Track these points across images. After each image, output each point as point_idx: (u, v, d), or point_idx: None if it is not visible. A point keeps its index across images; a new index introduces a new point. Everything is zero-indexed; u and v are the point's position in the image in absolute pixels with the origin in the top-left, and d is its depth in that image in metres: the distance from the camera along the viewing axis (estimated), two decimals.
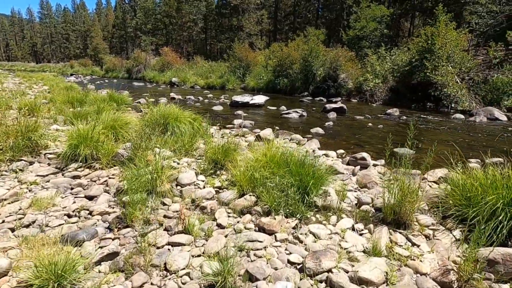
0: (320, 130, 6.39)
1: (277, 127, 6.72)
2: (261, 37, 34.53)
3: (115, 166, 3.42)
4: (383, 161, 4.19)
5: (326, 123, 7.42)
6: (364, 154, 3.77)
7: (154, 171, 2.69)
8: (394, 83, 13.78)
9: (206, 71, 24.32)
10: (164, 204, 2.59)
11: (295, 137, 5.23)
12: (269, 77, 18.98)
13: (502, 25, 13.08)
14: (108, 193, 2.83)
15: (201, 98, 12.65)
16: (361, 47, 18.77)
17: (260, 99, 10.78)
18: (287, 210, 2.29)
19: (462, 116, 9.73)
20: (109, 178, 3.17)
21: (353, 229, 2.29)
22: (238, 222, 2.31)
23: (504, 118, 9.63)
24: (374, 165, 3.94)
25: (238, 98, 10.71)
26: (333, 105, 9.73)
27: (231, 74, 21.44)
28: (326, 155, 4.38)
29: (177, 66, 28.34)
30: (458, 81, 11.59)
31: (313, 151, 4.58)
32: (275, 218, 2.18)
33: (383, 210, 2.38)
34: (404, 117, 9.23)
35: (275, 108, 10.36)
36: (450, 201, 2.38)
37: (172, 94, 13.95)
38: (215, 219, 2.35)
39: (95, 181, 3.16)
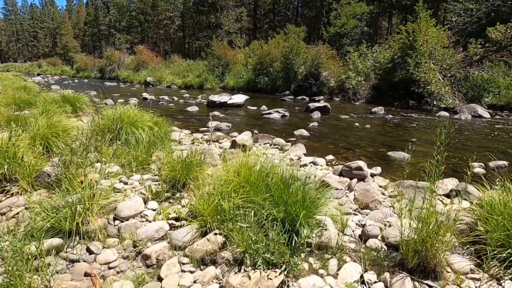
0: (304, 132, 5.74)
1: (256, 131, 5.98)
2: (241, 35, 33.75)
3: (39, 189, 2.55)
4: (379, 169, 3.57)
5: (311, 124, 6.80)
6: (360, 163, 3.13)
7: (79, 201, 1.88)
8: (376, 81, 13.46)
9: (184, 70, 23.20)
10: (90, 251, 1.79)
11: (277, 141, 4.53)
12: (249, 75, 18.25)
13: (481, 22, 13.08)
14: (14, 235, 1.98)
15: (176, 98, 11.71)
16: (342, 44, 18.45)
17: (239, 98, 10.02)
18: (268, 258, 1.57)
19: (447, 114, 9.46)
20: (26, 208, 2.31)
21: (362, 281, 1.61)
22: (195, 281, 1.56)
23: (487, 115, 9.46)
24: (372, 175, 3.32)
25: (215, 97, 9.90)
26: (317, 104, 9.16)
27: (209, 73, 20.51)
28: (314, 163, 3.71)
29: (153, 65, 26.95)
30: (440, 78, 11.40)
31: (299, 158, 3.90)
32: (249, 277, 1.45)
33: (401, 250, 1.71)
34: (390, 116, 8.81)
35: (256, 108, 9.64)
36: (487, 233, 1.75)
37: (145, 94, 12.89)
38: (160, 279, 1.58)
39: (4, 214, 2.29)
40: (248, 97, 10.49)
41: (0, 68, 52.22)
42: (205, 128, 5.89)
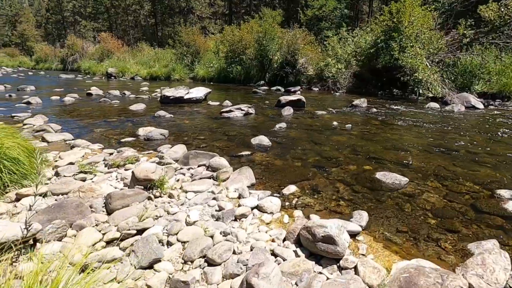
0: (265, 140, 4.30)
1: (200, 140, 4.49)
2: (216, 21, 31.49)
3: None
4: (364, 217, 2.21)
5: (278, 125, 5.36)
6: (333, 230, 1.67)
7: None
8: (357, 68, 12.16)
9: (150, 59, 21.06)
10: None
11: (216, 162, 3.06)
12: (221, 64, 16.52)
13: (471, 0, 11.92)
14: None
15: (128, 93, 9.93)
16: (321, 28, 17.01)
17: (198, 92, 8.41)
18: None
19: (437, 106, 8.28)
20: None
21: None
22: None
23: (481, 106, 8.38)
24: (353, 235, 1.94)
25: (170, 92, 8.24)
26: (289, 98, 7.72)
27: (177, 62, 18.56)
28: (261, 209, 2.28)
29: (118, 55, 24.50)
30: (428, 64, 10.21)
31: (239, 196, 2.46)
32: None
33: None
34: (374, 110, 7.52)
35: (218, 103, 8.09)
36: None
37: (94, 89, 10.99)
38: None
39: None
40: (210, 90, 8.89)
41: None
42: (131, 139, 4.33)
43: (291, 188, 2.75)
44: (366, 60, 11.71)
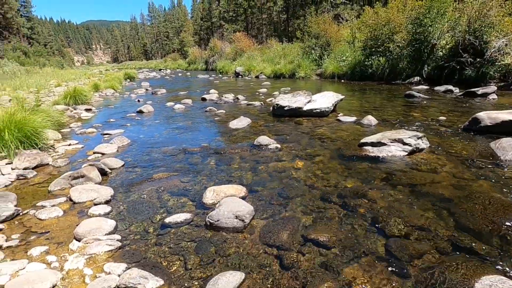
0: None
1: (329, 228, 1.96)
2: (352, 5, 27.28)
3: None
4: None
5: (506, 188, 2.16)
6: None
7: None
8: None
9: (276, 55, 19.80)
10: None
11: None
12: (356, 57, 13.15)
13: None
14: None
15: (241, 98, 8.49)
16: None
17: (323, 101, 5.80)
18: None
19: None
20: None
21: None
22: None
23: None
24: None
25: (285, 100, 6.03)
26: (502, 115, 3.98)
27: (304, 57, 16.36)
28: None
29: (248, 53, 24.74)
30: None
31: None
32: None
33: None
34: None
35: (354, 119, 5.25)
36: None
37: (212, 91, 10.28)
38: None
39: None
40: (342, 97, 6.09)
41: (143, 65, 62.95)
42: (183, 217, 2.29)
43: None
44: None
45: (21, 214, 2.36)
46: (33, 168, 3.34)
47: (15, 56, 33.14)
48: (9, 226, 2.21)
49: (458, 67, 9.08)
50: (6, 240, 1.99)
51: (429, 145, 3.57)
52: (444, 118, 4.96)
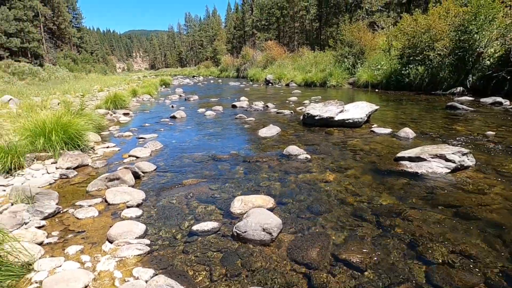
0: None
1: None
2: (388, 13, 26.41)
3: None
4: None
5: None
6: None
7: None
8: None
9: (308, 64, 19.66)
10: None
11: None
12: (391, 65, 12.63)
13: None
14: None
15: (271, 106, 8.49)
16: None
17: (357, 111, 5.60)
18: None
19: None
20: None
21: None
22: None
23: None
24: None
25: (316, 109, 5.92)
26: None
27: (336, 65, 16.05)
28: None
29: (279, 61, 24.84)
30: None
31: None
32: None
33: None
34: None
35: (389, 131, 4.99)
36: None
37: (242, 99, 10.43)
38: None
39: None
40: (377, 107, 5.84)
41: (178, 72, 65.84)
42: (210, 226, 2.28)
43: None
44: None
45: (61, 212, 2.51)
46: (74, 168, 3.57)
47: (66, 63, 36.36)
48: (50, 223, 2.35)
49: (508, 77, 8.34)
50: (47, 237, 2.11)
51: (475, 162, 3.27)
52: (493, 133, 4.54)
